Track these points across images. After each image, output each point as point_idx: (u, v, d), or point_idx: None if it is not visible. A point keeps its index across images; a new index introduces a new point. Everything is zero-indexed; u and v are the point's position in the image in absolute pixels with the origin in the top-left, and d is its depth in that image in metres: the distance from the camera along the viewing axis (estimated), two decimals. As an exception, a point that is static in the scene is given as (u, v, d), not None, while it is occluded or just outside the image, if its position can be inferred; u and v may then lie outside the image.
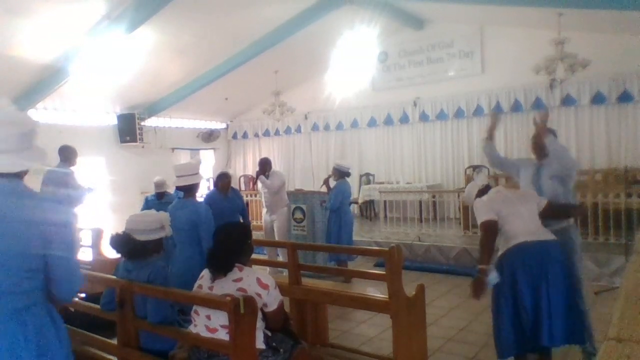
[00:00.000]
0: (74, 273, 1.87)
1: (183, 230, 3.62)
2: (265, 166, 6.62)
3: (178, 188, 3.77)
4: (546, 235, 3.08)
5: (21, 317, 1.74)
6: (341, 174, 6.25)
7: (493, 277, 2.99)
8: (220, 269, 2.49)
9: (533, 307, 2.92)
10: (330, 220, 6.27)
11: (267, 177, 6.52)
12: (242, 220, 5.41)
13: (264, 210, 6.97)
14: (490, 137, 3.82)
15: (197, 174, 3.71)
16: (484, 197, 3.27)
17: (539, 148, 3.49)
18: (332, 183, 6.45)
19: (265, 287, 2.48)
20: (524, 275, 2.96)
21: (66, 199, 5.40)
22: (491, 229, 3.09)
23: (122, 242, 2.88)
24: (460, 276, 6.14)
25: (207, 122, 12.62)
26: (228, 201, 5.43)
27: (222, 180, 5.51)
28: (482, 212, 3.16)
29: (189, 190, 3.70)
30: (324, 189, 6.75)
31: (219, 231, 2.62)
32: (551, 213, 3.19)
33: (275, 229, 6.57)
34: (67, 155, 5.69)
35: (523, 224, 3.08)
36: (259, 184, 6.76)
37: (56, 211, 1.82)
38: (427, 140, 10.40)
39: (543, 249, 2.99)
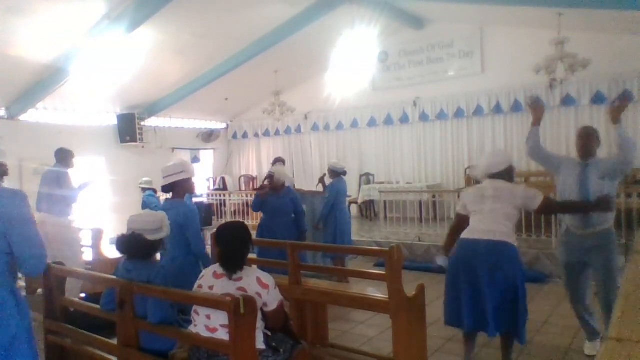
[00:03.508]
0: (37, 253, 2.16)
1: (171, 231, 3.61)
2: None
3: (162, 189, 3.72)
4: (494, 236, 3.27)
5: None
6: (336, 173, 6.28)
7: (439, 259, 3.73)
8: (236, 267, 2.50)
9: (470, 296, 3.29)
10: (328, 219, 6.25)
11: None
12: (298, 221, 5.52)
13: None
14: (537, 121, 3.77)
15: (180, 172, 3.60)
16: (468, 190, 3.70)
17: (587, 149, 3.59)
18: (328, 182, 6.46)
19: (265, 286, 2.48)
20: (463, 268, 3.34)
21: (64, 198, 5.43)
22: (457, 220, 3.61)
23: (133, 242, 2.88)
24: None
25: (207, 122, 12.63)
26: (280, 200, 5.45)
27: (269, 181, 5.59)
28: (460, 203, 3.64)
29: (174, 189, 3.66)
30: (319, 188, 6.74)
31: (225, 232, 2.61)
32: (552, 209, 3.52)
33: None
34: (62, 157, 5.69)
35: (476, 223, 3.39)
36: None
37: (18, 201, 2.16)
38: (427, 140, 10.40)
39: (479, 247, 3.28)
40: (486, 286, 3.21)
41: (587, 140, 3.60)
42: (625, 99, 3.64)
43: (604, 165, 3.49)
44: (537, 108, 3.79)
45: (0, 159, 2.34)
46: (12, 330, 2.11)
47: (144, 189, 7.76)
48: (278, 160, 6.80)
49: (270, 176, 5.55)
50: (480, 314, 3.26)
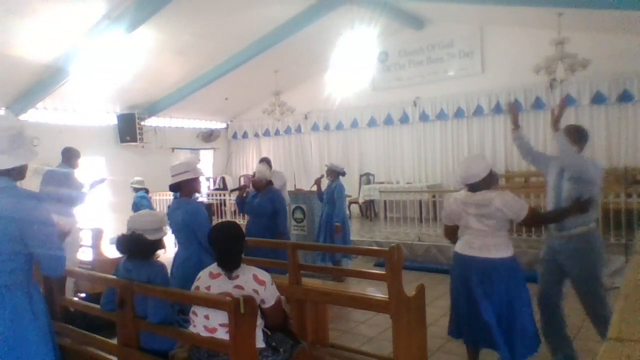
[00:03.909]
0: (55, 255, 2.22)
1: (180, 231, 3.61)
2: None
3: (170, 188, 3.73)
4: (489, 252, 3.10)
5: (0, 293, 2.13)
6: (337, 174, 6.27)
7: None
8: (234, 265, 2.52)
9: (468, 311, 3.20)
10: (329, 221, 6.24)
11: None
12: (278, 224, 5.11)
13: None
14: (516, 126, 3.66)
15: (185, 172, 3.61)
16: (449, 201, 3.38)
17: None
18: (324, 183, 6.45)
19: (261, 283, 2.49)
20: (460, 284, 3.25)
21: (65, 198, 5.40)
22: (445, 229, 3.53)
23: (133, 242, 2.88)
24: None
25: (207, 122, 12.63)
26: (259, 200, 5.17)
27: (252, 179, 5.39)
28: (443, 215, 3.50)
29: (182, 189, 3.67)
30: (314, 189, 6.74)
31: (220, 231, 2.61)
32: (536, 221, 3.18)
33: None
34: (68, 156, 5.68)
35: (469, 237, 3.23)
36: None
37: (36, 204, 2.20)
38: (427, 140, 10.40)
39: (474, 264, 3.15)
40: (485, 303, 3.08)
41: None
42: (562, 106, 3.50)
43: (574, 165, 3.27)
44: (514, 111, 3.70)
45: (31, 159, 2.32)
46: (23, 329, 2.15)
47: (135, 189, 7.72)
48: (263, 160, 6.78)
49: (253, 175, 5.46)
50: (483, 330, 3.12)
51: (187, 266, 3.46)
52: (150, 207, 7.55)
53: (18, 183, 2.28)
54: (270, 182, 5.30)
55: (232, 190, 7.31)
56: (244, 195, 5.45)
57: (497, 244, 3.13)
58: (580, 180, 3.22)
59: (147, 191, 7.76)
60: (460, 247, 3.29)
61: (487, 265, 3.11)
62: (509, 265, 3.14)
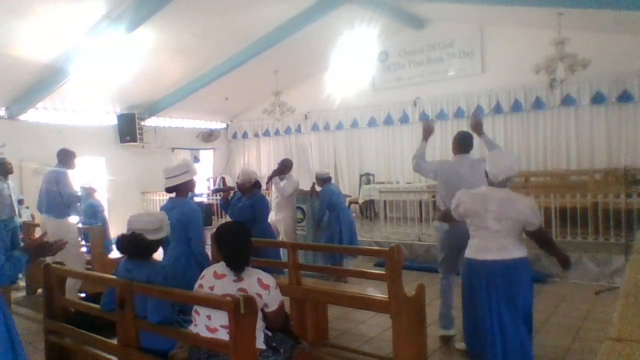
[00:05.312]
0: None
1: (174, 230, 3.60)
2: (285, 168, 6.37)
3: (166, 190, 3.72)
4: (508, 252, 2.95)
5: None
6: (323, 180, 6.33)
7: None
8: (242, 265, 2.51)
9: (480, 318, 3.02)
10: (331, 221, 6.28)
11: (281, 179, 6.42)
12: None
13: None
14: (424, 140, 4.19)
15: (183, 173, 3.61)
16: (464, 198, 3.12)
17: None
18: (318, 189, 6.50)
19: (266, 287, 2.48)
20: (480, 294, 3.02)
21: (60, 199, 5.42)
22: (447, 216, 3.33)
23: (133, 242, 2.88)
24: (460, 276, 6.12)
25: (207, 122, 12.63)
26: (242, 204, 4.92)
27: (237, 182, 5.18)
28: (456, 212, 3.16)
29: (178, 189, 3.67)
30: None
31: (228, 231, 2.59)
32: (544, 236, 3.04)
33: (281, 230, 6.54)
34: (65, 157, 5.69)
35: (484, 240, 3.03)
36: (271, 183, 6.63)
37: None
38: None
39: (494, 270, 2.96)
40: (511, 309, 2.93)
41: None
42: (477, 121, 4.18)
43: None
44: (428, 128, 4.29)
45: None
46: None
47: (86, 193, 7.33)
48: (284, 162, 6.62)
49: (238, 176, 5.28)
50: (506, 344, 2.94)
51: (176, 266, 3.45)
52: (100, 209, 7.50)
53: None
54: (256, 185, 5.01)
55: (215, 191, 7.12)
56: (229, 197, 5.30)
57: (515, 243, 2.99)
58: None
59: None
60: (473, 253, 3.06)
61: (509, 267, 2.93)
62: (527, 266, 3.01)
